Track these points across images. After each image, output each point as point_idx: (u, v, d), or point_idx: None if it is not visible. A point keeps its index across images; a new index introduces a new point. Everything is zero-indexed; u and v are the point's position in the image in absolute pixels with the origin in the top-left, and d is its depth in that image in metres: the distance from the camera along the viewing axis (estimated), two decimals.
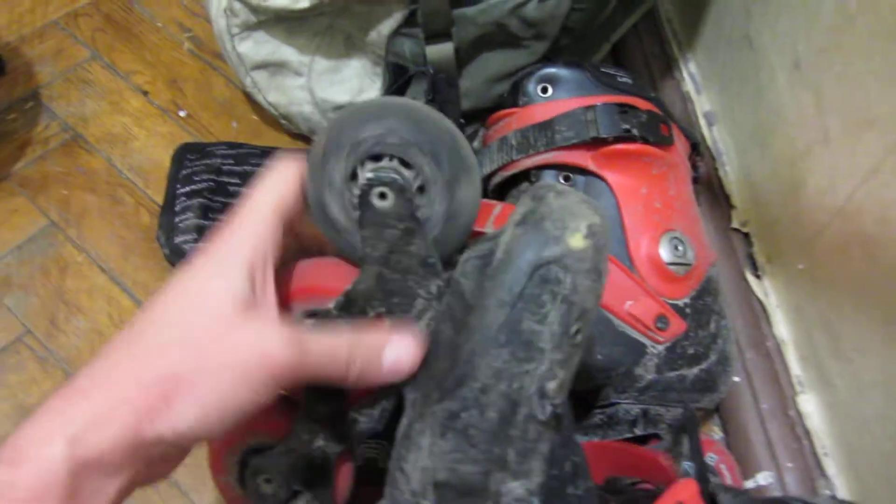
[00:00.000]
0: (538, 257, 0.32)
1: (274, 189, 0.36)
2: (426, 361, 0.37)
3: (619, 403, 0.56)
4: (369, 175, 0.37)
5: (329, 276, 0.40)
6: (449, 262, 0.39)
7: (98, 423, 0.30)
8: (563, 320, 0.33)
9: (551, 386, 0.34)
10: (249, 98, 0.80)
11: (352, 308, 0.37)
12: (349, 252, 0.40)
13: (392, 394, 0.39)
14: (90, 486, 0.30)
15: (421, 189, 0.38)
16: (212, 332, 0.32)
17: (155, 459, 0.32)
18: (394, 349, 0.36)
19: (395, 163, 0.37)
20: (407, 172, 0.37)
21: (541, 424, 0.34)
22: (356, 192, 0.37)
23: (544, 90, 0.60)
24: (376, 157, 0.37)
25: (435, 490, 0.35)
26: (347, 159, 0.37)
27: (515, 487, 0.34)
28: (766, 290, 0.66)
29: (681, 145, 0.62)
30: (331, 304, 0.38)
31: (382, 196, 0.36)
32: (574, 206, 0.34)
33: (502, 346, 0.33)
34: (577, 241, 0.33)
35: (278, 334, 0.33)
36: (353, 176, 0.37)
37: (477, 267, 0.35)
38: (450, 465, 0.34)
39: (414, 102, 0.38)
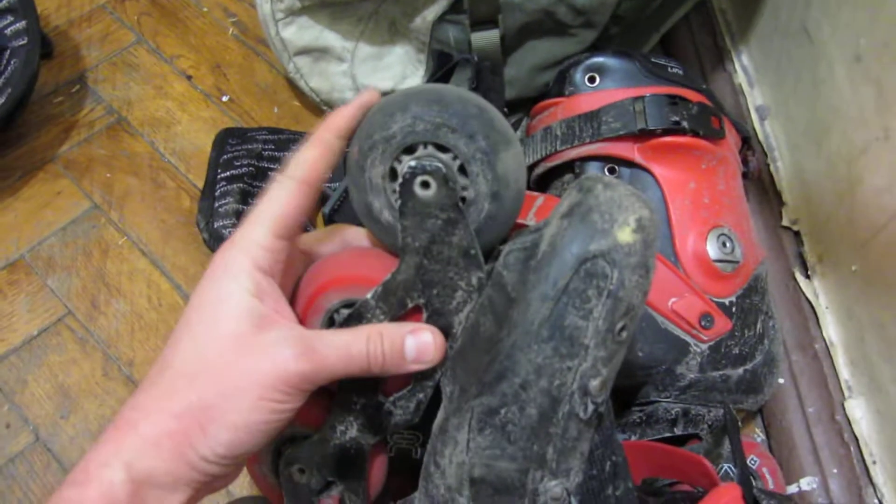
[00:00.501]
0: (585, 251, 0.32)
1: (276, 203, 0.37)
2: (464, 355, 0.36)
3: (658, 402, 0.55)
4: (412, 164, 0.35)
5: (368, 266, 0.39)
6: (490, 254, 0.39)
7: (147, 451, 0.33)
8: (608, 316, 0.32)
9: (594, 384, 0.33)
10: (291, 84, 0.79)
11: (390, 298, 0.37)
12: (390, 245, 0.40)
13: (429, 386, 0.38)
14: (151, 502, 0.33)
15: (462, 170, 0.36)
16: (226, 357, 0.34)
17: (208, 475, 0.34)
18: (416, 338, 0.37)
19: (431, 149, 0.36)
20: (444, 156, 0.36)
21: (581, 423, 0.34)
22: (396, 186, 0.36)
23: (591, 80, 0.59)
24: (410, 149, 0.36)
25: (471, 486, 0.34)
26: (383, 157, 0.36)
27: (553, 486, 0.34)
28: (816, 291, 0.63)
29: (732, 139, 0.60)
30: (368, 295, 0.37)
31: (425, 185, 0.35)
32: (623, 199, 0.33)
33: (545, 342, 0.32)
34: (625, 234, 0.32)
35: (290, 348, 0.34)
36: (393, 173, 0.37)
37: (520, 259, 0.34)
38: (487, 462, 0.34)
39: (434, 85, 0.38)
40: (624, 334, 0.33)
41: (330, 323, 0.39)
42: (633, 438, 0.55)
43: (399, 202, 0.36)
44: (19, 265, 0.67)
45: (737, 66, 0.78)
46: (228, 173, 0.63)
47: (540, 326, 0.32)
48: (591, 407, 0.33)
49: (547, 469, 0.33)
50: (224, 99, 0.79)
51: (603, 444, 0.37)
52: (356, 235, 0.43)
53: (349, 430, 0.40)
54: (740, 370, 0.55)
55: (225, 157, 0.65)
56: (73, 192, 0.72)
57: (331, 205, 0.59)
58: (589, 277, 0.32)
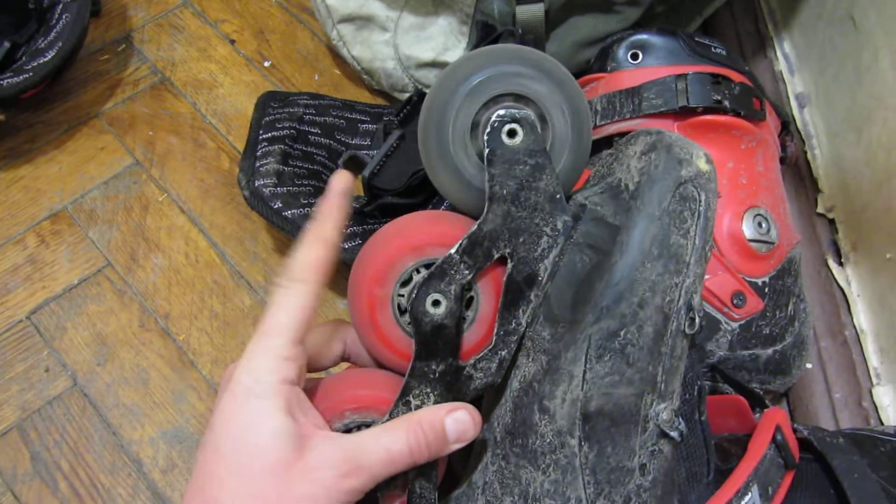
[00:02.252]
0: (679, 176, 0.35)
1: (288, 312, 0.36)
2: (562, 293, 0.37)
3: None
4: (500, 112, 0.37)
5: (443, 226, 0.39)
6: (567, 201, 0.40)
7: None
8: (702, 234, 0.35)
9: (696, 299, 0.36)
10: (332, 52, 0.80)
11: (476, 250, 0.37)
12: (475, 203, 0.39)
13: (513, 341, 0.38)
14: None
15: (542, 118, 0.38)
16: (279, 489, 0.33)
17: None
18: (454, 418, 0.37)
19: (511, 101, 0.37)
20: (525, 107, 0.38)
21: (686, 339, 0.36)
22: (483, 137, 0.37)
23: (634, 56, 0.59)
24: (489, 103, 0.38)
25: (584, 423, 0.35)
26: (465, 111, 0.37)
27: (662, 410, 0.35)
28: (849, 278, 0.63)
29: (772, 122, 0.60)
30: (452, 249, 0.37)
31: (512, 134, 0.37)
32: (687, 140, 0.37)
33: (657, 259, 0.35)
34: (703, 163, 0.36)
35: (335, 468, 0.34)
36: (474, 127, 0.38)
37: (608, 197, 0.37)
38: (606, 390, 0.35)
39: (499, 46, 0.39)
40: (709, 253, 0.36)
41: (407, 284, 0.38)
42: None
43: (487, 151, 0.37)
44: (62, 216, 0.68)
45: (778, 52, 0.77)
46: (270, 135, 0.64)
47: (651, 245, 0.35)
48: (697, 321, 0.36)
49: (657, 392, 0.35)
50: (266, 64, 0.79)
51: (691, 367, 0.38)
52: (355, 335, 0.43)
53: (426, 403, 0.38)
54: (770, 350, 0.55)
55: (267, 118, 0.65)
56: (116, 147, 0.73)
57: (370, 169, 0.59)
58: (683, 200, 0.35)
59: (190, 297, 0.64)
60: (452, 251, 0.37)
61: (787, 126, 0.64)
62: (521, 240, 0.37)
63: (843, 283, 0.63)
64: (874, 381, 0.59)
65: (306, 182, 0.61)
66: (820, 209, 0.67)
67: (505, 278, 0.38)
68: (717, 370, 0.54)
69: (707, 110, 0.55)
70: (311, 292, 0.36)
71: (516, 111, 0.37)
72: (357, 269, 0.39)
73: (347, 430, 0.39)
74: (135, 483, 0.56)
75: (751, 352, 0.54)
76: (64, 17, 0.70)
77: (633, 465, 0.35)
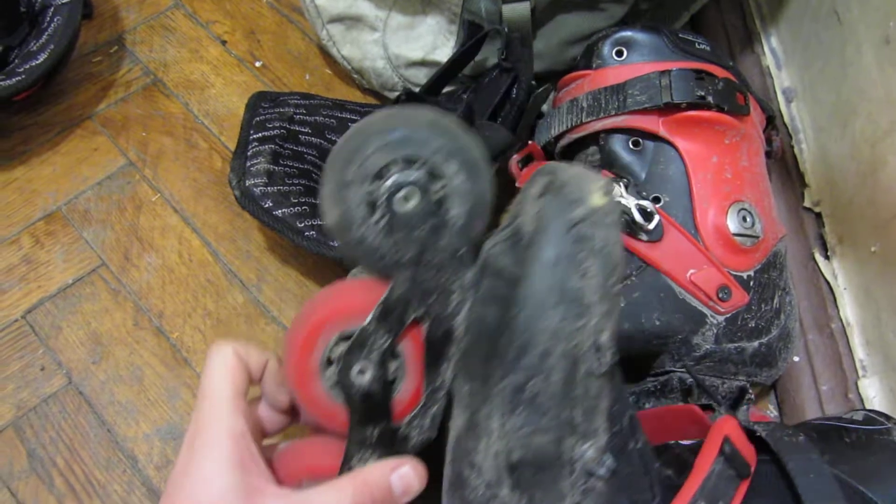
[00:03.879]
0: (570, 218, 0.35)
1: (221, 372, 0.39)
2: (475, 349, 0.37)
3: (673, 371, 0.56)
4: (387, 184, 0.38)
5: (357, 296, 0.40)
6: (477, 252, 0.40)
7: None
8: (601, 272, 0.35)
9: (604, 338, 0.35)
10: (323, 52, 0.81)
11: (389, 317, 0.38)
12: (380, 269, 0.39)
13: (440, 397, 0.39)
14: None
15: (432, 174, 0.38)
16: None
17: None
18: (399, 474, 0.39)
19: (400, 166, 0.38)
20: (414, 169, 0.38)
21: (600, 379, 0.35)
22: (378, 209, 0.38)
23: (619, 53, 0.59)
24: (380, 174, 0.38)
25: (510, 473, 0.35)
26: (359, 188, 0.38)
27: (587, 449, 0.35)
28: (835, 272, 0.64)
29: (756, 117, 0.61)
30: (366, 320, 0.38)
31: (406, 199, 0.38)
32: (584, 173, 0.37)
33: (555, 307, 0.34)
34: (597, 199, 0.35)
35: None
36: (369, 199, 0.38)
37: (507, 246, 0.37)
38: (524, 441, 0.35)
39: (381, 111, 0.40)
40: (616, 287, 0.36)
41: (328, 363, 0.39)
42: (648, 407, 0.56)
43: (384, 221, 0.38)
44: (56, 217, 0.69)
45: (765, 47, 0.78)
46: (260, 134, 0.64)
47: (548, 293, 0.34)
48: (606, 360, 0.35)
49: (578, 434, 0.35)
50: (257, 64, 0.80)
51: (618, 399, 0.38)
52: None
53: (368, 464, 0.39)
54: (755, 343, 0.56)
55: (257, 118, 0.66)
56: (110, 148, 0.74)
57: None
58: (578, 242, 0.35)
59: (183, 296, 0.65)
60: (366, 322, 0.38)
61: (772, 121, 0.64)
62: (431, 300, 0.38)
63: (829, 277, 0.64)
64: (860, 373, 0.60)
65: (297, 181, 0.62)
66: (807, 203, 0.68)
67: (423, 337, 0.39)
68: (689, 370, 0.55)
69: (691, 106, 0.56)
70: (235, 352, 0.40)
71: (403, 178, 0.37)
72: (285, 350, 0.40)
73: None
74: (130, 479, 0.57)
75: (737, 345, 0.55)
76: (56, 19, 0.71)
77: None
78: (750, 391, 0.56)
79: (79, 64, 0.79)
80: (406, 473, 0.39)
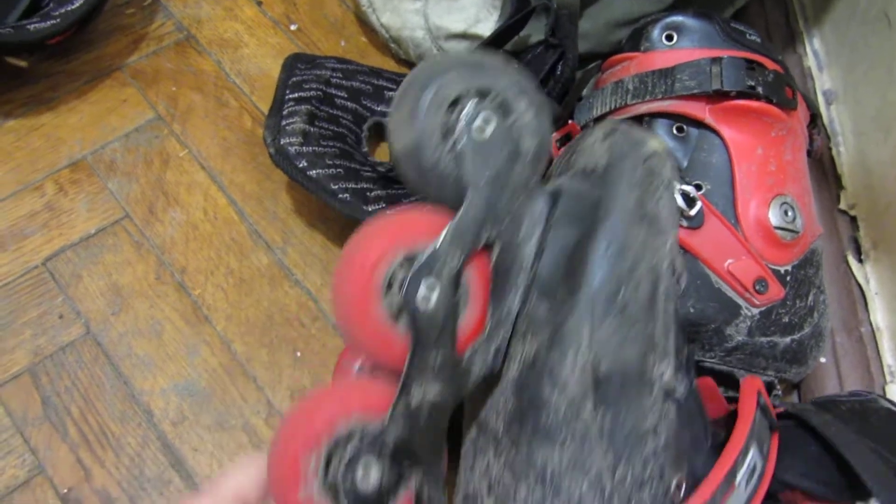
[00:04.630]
0: (641, 153, 0.38)
1: (234, 487, 0.35)
2: (552, 271, 0.37)
3: (703, 361, 0.55)
4: (469, 108, 0.37)
5: (422, 219, 0.38)
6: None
7: None
8: (669, 204, 0.38)
9: (678, 261, 0.38)
10: (360, 20, 0.79)
11: (464, 237, 0.37)
12: (449, 195, 0.38)
13: (505, 327, 0.38)
14: None
15: (503, 108, 0.39)
16: None
17: None
18: None
19: (474, 96, 0.38)
20: (487, 101, 0.38)
21: (675, 300, 0.38)
22: (457, 132, 0.37)
23: (669, 38, 0.58)
24: (455, 102, 0.38)
25: (595, 388, 0.35)
26: (435, 112, 0.38)
27: (664, 370, 0.36)
28: (868, 276, 0.63)
29: (802, 113, 0.60)
30: (438, 239, 0.36)
31: (483, 126, 0.38)
32: (636, 129, 0.41)
33: (640, 223, 0.37)
34: (657, 143, 0.39)
35: None
36: (445, 125, 0.38)
37: (583, 177, 0.39)
38: (613, 351, 0.35)
39: (448, 53, 0.41)
40: (676, 228, 0.40)
41: (388, 287, 0.37)
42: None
43: (462, 144, 0.37)
44: (81, 166, 0.68)
45: (807, 49, 0.77)
46: (297, 95, 0.63)
47: (632, 211, 0.37)
48: (678, 285, 0.38)
49: (658, 352, 0.36)
50: (292, 28, 0.79)
51: (678, 331, 0.39)
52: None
53: (427, 395, 0.36)
54: (788, 339, 0.55)
55: (294, 79, 0.65)
56: (139, 101, 0.72)
57: None
58: (650, 173, 0.38)
59: (207, 253, 0.64)
60: (440, 240, 0.36)
61: (815, 119, 0.64)
62: (503, 225, 0.38)
63: (861, 280, 0.63)
64: (888, 378, 0.59)
65: (332, 143, 0.61)
66: (842, 206, 0.67)
67: (492, 264, 0.38)
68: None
69: (740, 95, 0.55)
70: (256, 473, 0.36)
71: (482, 105, 0.38)
72: (340, 273, 0.38)
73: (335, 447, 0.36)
74: (144, 433, 0.56)
75: (769, 339, 0.54)
76: None
77: (646, 427, 0.35)
78: (778, 387, 0.56)
79: (111, 15, 0.78)
80: None
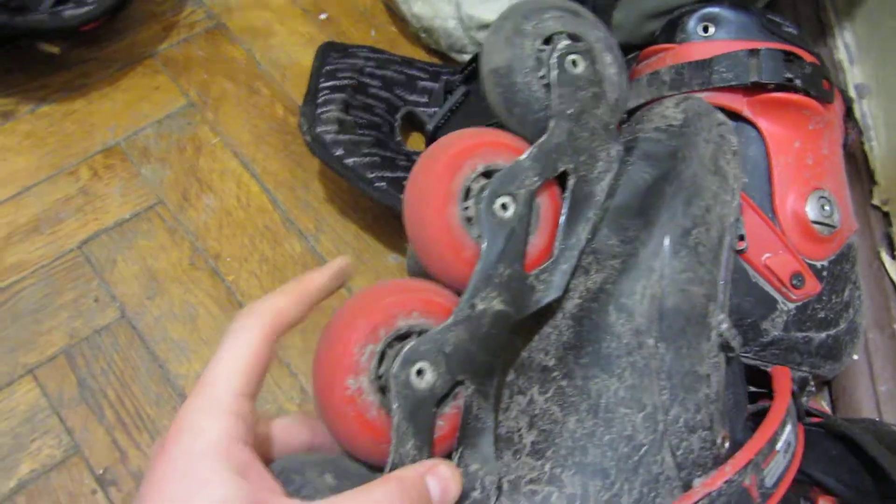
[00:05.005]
0: (714, 118, 0.41)
1: (239, 361, 0.31)
2: (625, 206, 0.39)
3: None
4: (566, 42, 0.40)
5: (504, 137, 0.40)
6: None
7: None
8: (735, 168, 0.41)
9: (741, 222, 0.42)
10: (389, 9, 0.80)
11: (544, 160, 0.38)
12: (532, 120, 0.40)
13: (573, 255, 0.39)
14: None
15: (592, 57, 0.41)
16: None
17: None
18: (436, 477, 0.33)
19: (567, 38, 0.41)
20: (581, 44, 0.41)
21: (734, 257, 0.40)
22: (550, 62, 0.40)
23: (705, 29, 0.58)
24: (549, 40, 0.41)
25: (661, 321, 0.36)
26: (533, 43, 0.40)
27: (722, 320, 0.37)
28: None
29: (838, 106, 0.59)
30: (522, 156, 0.38)
31: (575, 63, 0.40)
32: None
33: (713, 174, 0.39)
34: (725, 117, 0.44)
35: None
36: (538, 58, 0.40)
37: (659, 131, 0.42)
38: (682, 287, 0.36)
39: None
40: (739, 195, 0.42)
41: (466, 194, 0.37)
42: None
43: (555, 73, 0.39)
44: (115, 151, 0.68)
45: (839, 42, 0.76)
46: (331, 83, 0.63)
47: (708, 162, 0.39)
48: (740, 245, 0.42)
49: (718, 302, 0.37)
50: (322, 17, 0.79)
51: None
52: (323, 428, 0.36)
53: (491, 306, 0.35)
54: (823, 335, 0.55)
55: (328, 67, 0.65)
56: (171, 88, 0.73)
57: (434, 123, 0.59)
58: (722, 137, 0.41)
59: (241, 240, 0.65)
60: (523, 157, 0.38)
61: (848, 113, 0.63)
62: (581, 159, 0.40)
63: (894, 277, 0.63)
64: None
65: (366, 132, 0.61)
66: (875, 201, 0.67)
67: (568, 193, 0.39)
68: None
69: (778, 87, 0.55)
70: (265, 338, 0.32)
71: (575, 46, 0.41)
72: (420, 174, 0.38)
73: (389, 347, 0.34)
74: None
75: (804, 334, 0.54)
76: None
77: (703, 371, 0.36)
78: (811, 382, 0.56)
79: (142, 2, 0.78)
80: (443, 474, 0.33)
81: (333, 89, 0.63)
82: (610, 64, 0.42)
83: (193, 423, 0.29)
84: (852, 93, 0.73)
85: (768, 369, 0.54)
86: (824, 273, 0.55)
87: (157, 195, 0.66)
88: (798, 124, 0.56)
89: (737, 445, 0.38)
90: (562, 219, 0.39)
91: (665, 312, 0.36)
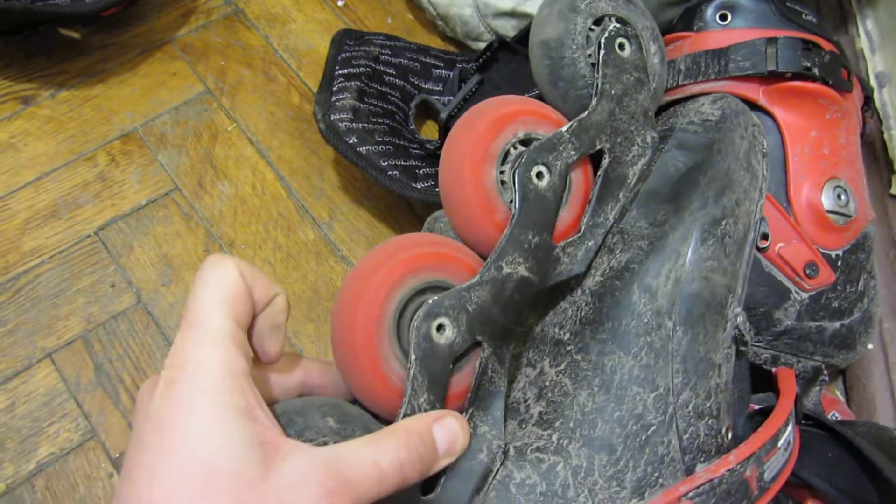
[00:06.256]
0: (750, 118, 0.42)
1: (219, 295, 0.29)
2: (658, 190, 0.39)
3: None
4: (616, 25, 0.41)
5: (546, 108, 0.41)
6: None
7: None
8: (764, 169, 0.41)
9: (765, 224, 0.44)
10: None
11: (583, 135, 0.39)
12: (575, 96, 0.41)
13: (600, 233, 0.39)
14: None
15: (638, 44, 0.43)
16: None
17: None
18: (443, 428, 0.32)
19: (615, 22, 0.42)
20: (630, 29, 0.42)
21: (752, 256, 0.40)
22: (603, 38, 0.41)
23: (723, 17, 0.58)
24: (598, 21, 0.42)
25: (682, 305, 0.36)
26: (583, 22, 0.41)
27: (739, 313, 0.38)
28: None
29: (857, 95, 0.59)
30: (563, 128, 0.38)
31: (622, 46, 0.41)
32: None
33: (746, 170, 0.40)
34: (757, 119, 0.43)
35: (317, 486, 0.26)
36: (587, 38, 0.42)
37: (695, 124, 0.42)
38: (706, 274, 0.37)
39: None
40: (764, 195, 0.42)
41: (504, 158, 0.38)
42: None
43: (603, 52, 0.40)
44: (132, 137, 0.69)
45: (860, 30, 0.75)
46: (346, 71, 0.63)
47: (742, 158, 0.40)
48: (762, 245, 0.43)
49: (736, 294, 0.38)
50: (339, 3, 0.79)
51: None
52: (316, 367, 0.36)
53: (517, 271, 0.36)
54: (837, 324, 0.54)
55: (343, 55, 0.65)
56: (188, 74, 0.73)
57: (447, 112, 0.59)
58: (754, 138, 0.41)
59: (255, 227, 0.65)
60: (564, 129, 0.38)
61: (867, 102, 0.62)
62: (618, 140, 0.40)
63: None
64: None
65: (381, 120, 0.61)
66: (893, 190, 0.66)
67: (602, 172, 0.40)
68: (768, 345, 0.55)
69: (795, 76, 0.54)
70: (240, 274, 0.30)
71: (624, 30, 0.42)
72: (461, 131, 0.38)
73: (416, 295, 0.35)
74: None
75: (818, 324, 0.54)
76: None
77: (716, 359, 0.36)
78: (825, 372, 0.55)
79: None
80: (451, 426, 0.32)
81: (349, 77, 0.63)
82: (654, 53, 0.44)
83: (192, 357, 0.27)
84: (873, 82, 0.72)
85: (773, 370, 0.54)
86: (839, 262, 0.54)
87: (174, 181, 0.67)
88: (815, 113, 0.55)
89: (738, 440, 0.38)
90: (592, 196, 0.40)
91: (686, 297, 0.36)
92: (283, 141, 0.70)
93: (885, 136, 0.69)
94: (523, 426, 0.37)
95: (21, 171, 0.66)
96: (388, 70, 0.66)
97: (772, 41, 0.55)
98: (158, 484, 0.25)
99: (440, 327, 0.34)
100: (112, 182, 0.67)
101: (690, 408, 0.35)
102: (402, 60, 0.67)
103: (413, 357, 0.33)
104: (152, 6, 0.77)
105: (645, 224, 0.39)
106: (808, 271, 0.53)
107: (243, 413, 0.27)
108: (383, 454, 0.29)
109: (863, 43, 0.74)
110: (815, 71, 0.54)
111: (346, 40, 0.68)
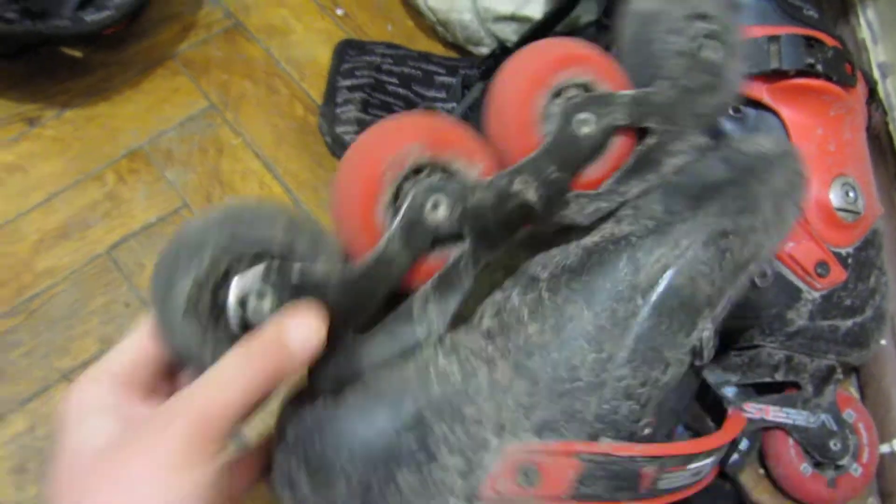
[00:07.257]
0: (799, 160, 0.42)
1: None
2: (687, 186, 0.39)
3: (763, 346, 0.55)
4: (712, 27, 0.41)
5: (609, 61, 0.40)
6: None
7: None
8: (793, 216, 0.40)
9: (774, 263, 0.44)
10: (406, 3, 0.79)
11: (639, 108, 0.39)
12: (638, 64, 0.41)
13: (616, 200, 0.39)
14: None
15: (726, 52, 0.42)
16: (108, 475, 0.29)
17: None
18: (295, 330, 0.31)
19: (718, 27, 0.42)
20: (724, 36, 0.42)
21: (753, 291, 0.40)
22: (696, 33, 0.41)
23: None
24: (700, 17, 0.41)
25: (660, 291, 0.37)
26: (691, 6, 0.41)
27: (709, 329, 0.38)
28: None
29: (861, 89, 0.59)
30: (622, 91, 0.38)
31: (710, 48, 0.41)
32: None
33: (773, 208, 0.39)
34: (805, 167, 0.42)
35: (177, 436, 0.29)
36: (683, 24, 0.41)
37: (743, 147, 0.42)
38: (693, 275, 0.37)
39: None
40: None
41: (559, 92, 0.38)
42: (734, 380, 0.55)
43: (689, 45, 0.40)
44: (139, 155, 0.69)
45: (861, 20, 0.75)
46: (349, 82, 0.64)
47: (775, 195, 0.40)
48: (763, 282, 0.41)
49: (711, 312, 0.38)
50: (339, 12, 0.79)
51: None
52: None
53: (527, 191, 0.36)
54: (850, 322, 0.54)
55: (345, 66, 0.65)
56: (191, 90, 0.73)
57: (465, 105, 0.59)
58: (794, 186, 0.41)
59: None
60: (625, 92, 0.39)
61: (872, 94, 0.62)
62: (669, 128, 0.40)
63: None
64: None
65: None
66: None
67: (642, 148, 0.40)
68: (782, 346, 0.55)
69: (799, 73, 0.54)
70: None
71: (722, 38, 0.41)
72: (532, 54, 0.39)
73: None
74: None
75: (830, 323, 0.54)
76: None
77: (668, 357, 0.37)
78: (839, 370, 0.56)
79: (161, 4, 0.78)
80: (302, 329, 0.31)
81: (352, 88, 0.63)
82: (736, 68, 0.43)
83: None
84: (876, 72, 0.72)
85: (729, 410, 0.53)
86: (849, 260, 0.54)
87: (182, 198, 0.67)
88: (820, 111, 0.55)
89: (651, 440, 0.39)
90: (624, 166, 0.40)
91: (666, 286, 0.37)
92: (289, 154, 0.70)
93: (891, 126, 0.69)
94: (469, 332, 0.38)
95: (30, 193, 0.67)
96: (390, 79, 0.66)
97: (774, 39, 0.54)
98: (61, 482, 0.31)
99: (435, 206, 0.34)
100: (121, 201, 0.67)
101: (622, 384, 0.36)
102: (404, 69, 0.68)
103: (399, 216, 0.33)
104: (152, 22, 0.77)
105: (660, 208, 0.39)
106: (819, 270, 0.53)
107: (108, 391, 0.33)
108: (238, 366, 0.30)
109: (864, 33, 0.74)
110: (819, 67, 0.54)
111: (347, 50, 0.68)
